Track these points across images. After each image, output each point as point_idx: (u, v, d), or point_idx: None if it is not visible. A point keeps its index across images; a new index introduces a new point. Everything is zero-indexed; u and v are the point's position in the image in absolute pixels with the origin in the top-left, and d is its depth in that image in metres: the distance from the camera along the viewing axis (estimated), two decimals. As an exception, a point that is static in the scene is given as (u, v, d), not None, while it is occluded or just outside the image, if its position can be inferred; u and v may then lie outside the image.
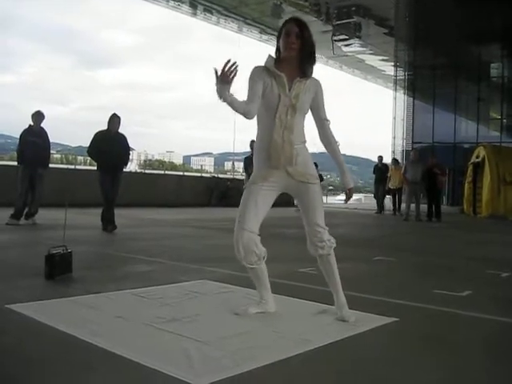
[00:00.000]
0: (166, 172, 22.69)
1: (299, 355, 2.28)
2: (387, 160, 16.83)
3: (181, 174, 18.58)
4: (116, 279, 3.94)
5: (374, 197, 16.51)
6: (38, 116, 8.19)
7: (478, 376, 2.17)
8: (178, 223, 9.82)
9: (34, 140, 8.01)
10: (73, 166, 17.16)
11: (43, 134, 8.22)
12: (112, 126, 7.58)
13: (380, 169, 15.51)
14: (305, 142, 2.99)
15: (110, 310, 2.94)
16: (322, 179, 18.87)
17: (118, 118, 7.63)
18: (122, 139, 7.77)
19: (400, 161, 25.03)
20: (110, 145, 7.40)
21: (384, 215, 14.74)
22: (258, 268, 2.95)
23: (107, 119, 7.65)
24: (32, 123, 8.15)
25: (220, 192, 17.07)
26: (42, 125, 8.23)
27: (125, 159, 7.91)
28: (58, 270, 3.79)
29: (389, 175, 14.87)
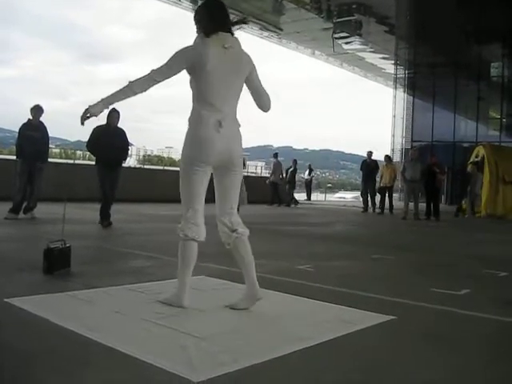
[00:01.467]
0: (165, 167, 22.66)
1: (297, 352, 2.28)
2: (378, 157, 16.24)
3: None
4: (114, 274, 3.94)
5: (361, 194, 15.72)
6: (37, 110, 8.16)
7: (477, 375, 2.17)
8: (176, 219, 9.79)
9: (33, 134, 7.99)
10: (72, 161, 17.13)
11: (42, 128, 8.20)
12: (111, 120, 7.53)
13: (369, 165, 14.72)
14: (188, 121, 2.98)
15: (107, 305, 2.95)
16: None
17: (117, 112, 7.59)
18: (122, 134, 7.74)
19: (399, 159, 25.09)
20: (109, 139, 7.37)
21: (373, 213, 14.58)
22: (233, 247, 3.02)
23: (106, 114, 7.62)
24: (31, 117, 8.14)
25: None
26: (40, 119, 8.21)
27: (124, 154, 7.88)
28: (57, 264, 3.78)
29: (380, 173, 14.33)
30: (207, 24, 2.98)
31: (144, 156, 30.36)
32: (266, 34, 25.83)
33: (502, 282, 4.53)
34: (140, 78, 2.88)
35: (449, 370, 2.19)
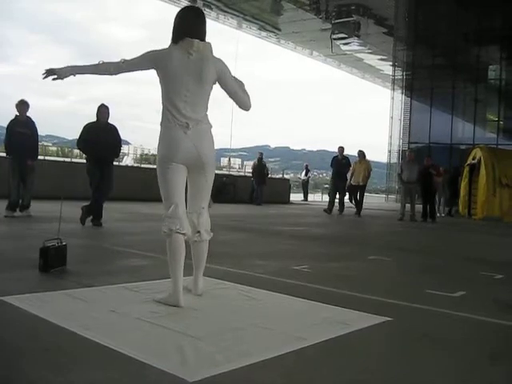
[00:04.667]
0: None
1: (292, 352, 2.28)
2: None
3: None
4: (110, 273, 3.93)
5: (328, 194, 14.86)
6: (22, 105, 7.92)
7: (470, 376, 2.17)
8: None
9: (22, 131, 7.78)
10: (69, 159, 17.07)
11: (30, 124, 7.98)
12: (101, 116, 7.33)
13: (339, 161, 13.69)
14: (160, 124, 3.11)
15: (103, 304, 2.94)
16: None
17: (107, 107, 7.37)
18: (112, 130, 7.50)
19: (396, 160, 25.12)
20: (100, 136, 7.16)
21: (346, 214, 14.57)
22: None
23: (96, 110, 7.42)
24: (17, 113, 7.90)
25: (216, 188, 16.95)
26: (34, 116, 8.02)
27: (116, 150, 7.65)
28: (53, 262, 3.78)
29: (351, 170, 13.54)
30: (174, 30, 3.10)
31: (141, 155, 30.30)
32: (264, 33, 25.88)
33: (498, 284, 4.53)
34: (110, 62, 3.09)
35: (444, 371, 2.19)
